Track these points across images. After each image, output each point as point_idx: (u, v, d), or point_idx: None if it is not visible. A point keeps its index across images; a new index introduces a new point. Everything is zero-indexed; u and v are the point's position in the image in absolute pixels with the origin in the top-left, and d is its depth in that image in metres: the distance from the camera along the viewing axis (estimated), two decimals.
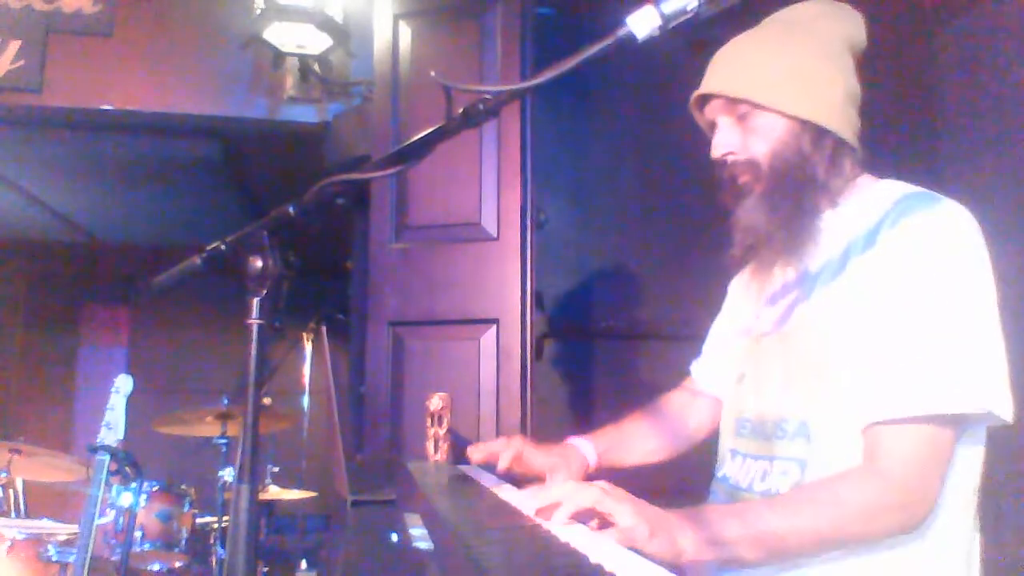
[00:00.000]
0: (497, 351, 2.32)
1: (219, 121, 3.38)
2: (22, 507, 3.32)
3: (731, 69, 1.18)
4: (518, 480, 1.32)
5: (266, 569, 3.49)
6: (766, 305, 1.23)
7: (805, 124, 1.12)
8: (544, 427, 2.37)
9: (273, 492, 3.57)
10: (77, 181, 4.70)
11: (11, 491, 3.26)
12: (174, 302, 5.75)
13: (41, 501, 3.50)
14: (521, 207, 2.37)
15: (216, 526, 3.15)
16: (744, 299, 1.34)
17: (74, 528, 2.65)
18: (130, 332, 6.22)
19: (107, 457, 2.51)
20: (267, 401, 3.35)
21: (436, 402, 1.68)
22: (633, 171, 2.91)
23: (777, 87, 1.13)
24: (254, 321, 0.89)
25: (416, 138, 0.89)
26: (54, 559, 2.62)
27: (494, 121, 0.88)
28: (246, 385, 0.87)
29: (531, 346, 2.32)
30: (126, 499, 2.76)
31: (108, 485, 2.57)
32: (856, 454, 1.03)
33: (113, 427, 2.55)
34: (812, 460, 1.07)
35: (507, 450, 1.32)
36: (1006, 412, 0.98)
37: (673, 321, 2.72)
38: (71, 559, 2.51)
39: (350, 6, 3.13)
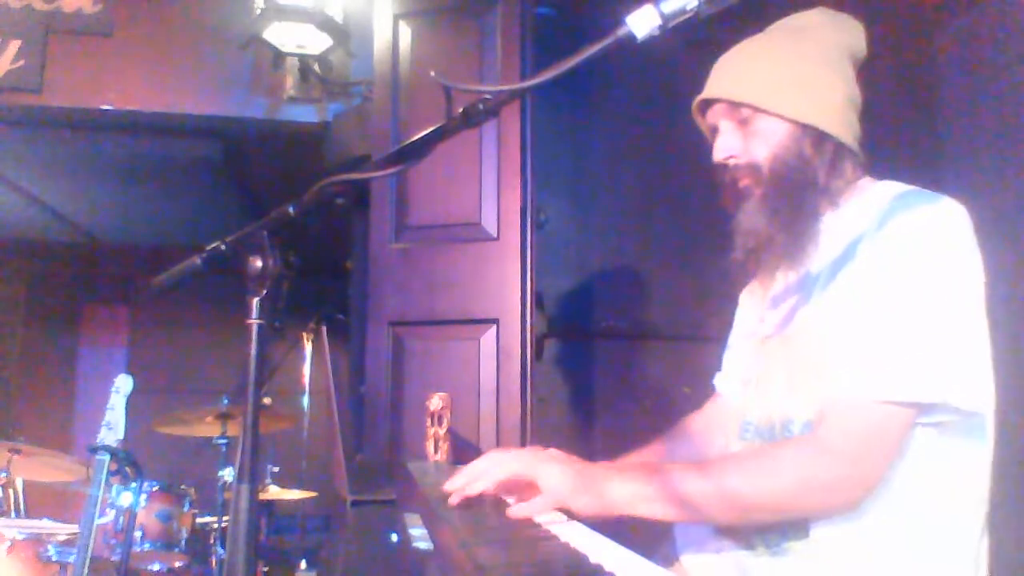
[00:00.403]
0: (497, 351, 2.32)
1: (219, 121, 3.38)
2: (22, 507, 3.32)
3: (734, 74, 1.20)
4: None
5: (266, 569, 3.49)
6: (769, 309, 1.23)
7: (806, 128, 1.14)
8: (544, 427, 2.37)
9: (273, 492, 3.57)
10: (77, 181, 4.70)
11: (11, 491, 3.25)
12: (174, 302, 5.75)
13: (41, 501, 3.50)
14: (521, 207, 2.37)
15: (216, 526, 3.15)
16: (750, 305, 1.34)
17: (74, 528, 2.65)
18: (130, 332, 6.21)
19: (107, 457, 2.51)
20: (267, 401, 3.36)
21: (436, 402, 1.68)
22: (633, 171, 2.90)
23: (779, 92, 1.14)
24: (254, 321, 0.89)
25: (416, 138, 0.89)
26: (54, 559, 2.62)
27: (494, 121, 0.88)
28: (246, 385, 0.87)
29: (531, 346, 2.32)
30: (126, 499, 2.75)
31: (108, 485, 2.57)
32: None
33: (113, 427, 2.55)
34: None
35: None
36: (968, 402, 0.98)
37: (674, 321, 2.72)
38: (71, 559, 2.51)
39: (350, 6, 3.13)
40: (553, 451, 1.08)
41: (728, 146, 1.18)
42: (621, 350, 2.81)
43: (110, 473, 2.54)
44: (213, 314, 5.62)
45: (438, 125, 0.88)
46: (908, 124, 2.30)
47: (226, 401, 3.23)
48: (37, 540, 2.66)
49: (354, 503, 1.27)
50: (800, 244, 1.13)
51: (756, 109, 1.15)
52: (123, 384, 2.62)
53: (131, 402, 2.62)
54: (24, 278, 6.09)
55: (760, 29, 1.26)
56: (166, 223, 5.55)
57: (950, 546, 1.02)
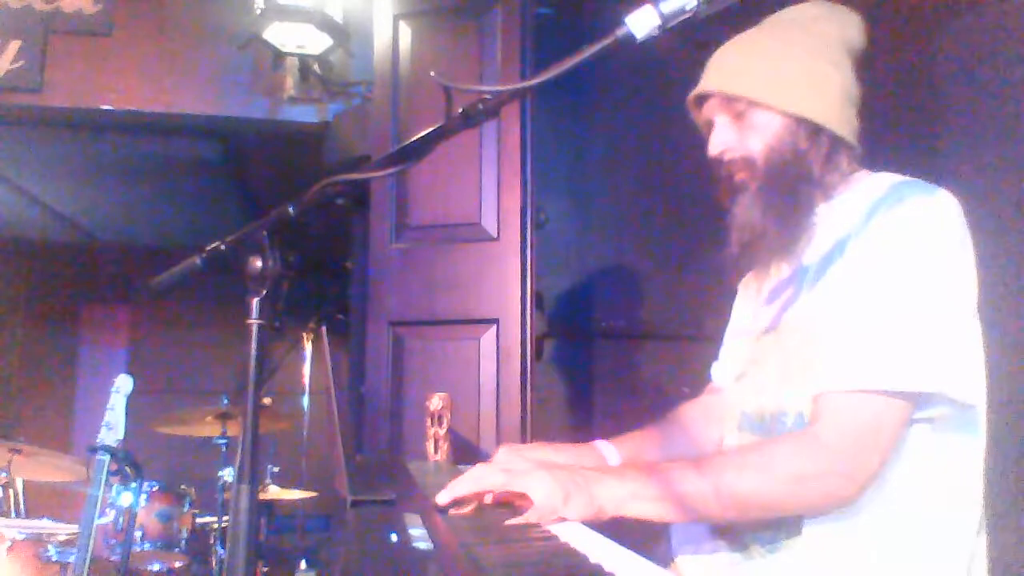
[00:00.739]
0: (497, 351, 2.32)
1: (219, 121, 3.38)
2: (22, 507, 3.32)
3: (728, 68, 1.20)
4: None
5: (266, 569, 3.49)
6: (764, 304, 1.23)
7: (801, 121, 1.13)
8: (544, 427, 2.37)
9: (273, 492, 3.57)
10: (77, 181, 4.71)
11: (11, 491, 3.26)
12: (174, 302, 5.76)
13: (41, 501, 3.50)
14: (521, 207, 2.37)
15: (216, 526, 3.15)
16: (746, 298, 1.35)
17: (74, 528, 2.65)
18: (130, 332, 6.22)
19: (107, 457, 2.51)
20: (267, 401, 3.36)
21: (436, 402, 1.68)
22: (633, 171, 2.90)
23: (774, 85, 1.14)
24: (254, 321, 0.89)
25: (416, 138, 0.89)
26: (54, 559, 2.62)
27: (494, 121, 0.88)
28: (246, 385, 0.87)
29: (531, 346, 2.32)
30: (126, 499, 2.76)
31: (108, 485, 2.57)
32: None
33: (113, 427, 2.55)
34: None
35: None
36: (962, 393, 0.98)
37: (673, 321, 2.72)
38: (71, 559, 2.51)
39: (350, 6, 3.13)
40: (538, 451, 1.06)
41: (723, 140, 1.18)
42: (621, 350, 2.81)
43: (110, 473, 2.54)
44: (213, 314, 5.63)
45: (438, 125, 0.88)
46: (908, 124, 2.30)
47: (226, 401, 3.24)
48: (37, 540, 2.66)
49: (354, 503, 1.26)
50: (794, 237, 1.13)
51: (751, 102, 1.15)
52: (123, 384, 2.62)
53: (131, 402, 2.62)
54: (24, 278, 6.09)
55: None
56: (166, 223, 5.56)
57: (945, 543, 1.02)
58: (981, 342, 1.03)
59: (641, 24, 0.78)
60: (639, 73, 2.78)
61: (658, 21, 0.78)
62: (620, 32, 0.79)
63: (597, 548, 0.80)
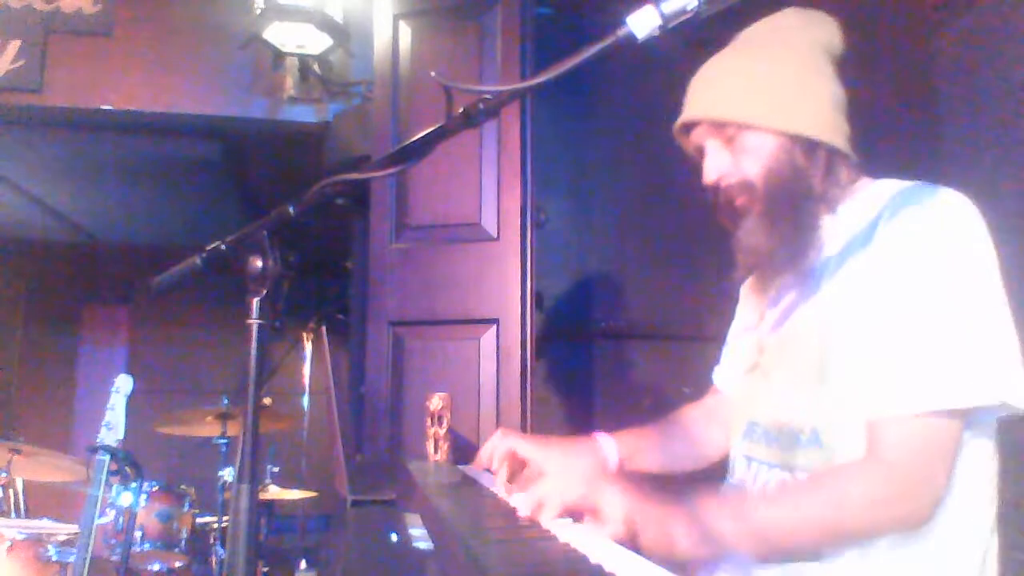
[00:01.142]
0: (497, 351, 2.32)
1: (219, 121, 3.38)
2: (22, 507, 3.32)
3: (712, 92, 1.17)
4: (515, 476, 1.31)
5: (266, 569, 3.49)
6: (770, 306, 1.22)
7: (795, 138, 1.11)
8: (544, 427, 2.37)
9: (273, 492, 3.57)
10: (77, 181, 4.71)
11: (11, 491, 3.25)
12: (174, 302, 5.76)
13: (41, 501, 3.49)
14: (521, 207, 2.37)
15: (216, 526, 3.15)
16: (749, 300, 1.34)
17: (74, 528, 2.65)
18: (130, 332, 6.22)
19: (107, 457, 2.51)
20: (267, 401, 3.36)
21: (436, 402, 1.68)
22: (633, 171, 2.90)
23: (762, 105, 1.12)
24: (254, 321, 0.89)
25: (416, 138, 0.89)
26: (54, 559, 2.62)
27: (494, 121, 0.88)
28: (246, 385, 0.87)
29: (531, 346, 2.32)
30: (126, 499, 2.76)
31: (108, 485, 2.57)
32: None
33: (113, 427, 2.55)
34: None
35: (499, 453, 1.27)
36: (1019, 401, 0.95)
37: (673, 321, 2.72)
38: (71, 559, 2.51)
39: (350, 6, 3.13)
40: (609, 480, 1.05)
41: (718, 166, 1.15)
42: (620, 350, 2.81)
43: (110, 473, 2.54)
44: (213, 314, 5.63)
45: (438, 125, 0.88)
46: (908, 124, 2.30)
47: (226, 401, 3.24)
48: (37, 540, 2.66)
49: (354, 503, 1.27)
50: (802, 255, 1.11)
51: (741, 125, 1.12)
52: (123, 384, 2.62)
53: (131, 402, 2.62)
54: (24, 278, 6.09)
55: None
56: (166, 223, 5.56)
57: (955, 545, 1.01)
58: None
59: (642, 24, 0.78)
60: (640, 73, 2.78)
61: (659, 21, 0.78)
62: (620, 32, 0.79)
63: (597, 548, 0.80)
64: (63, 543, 2.68)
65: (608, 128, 2.91)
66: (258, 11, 3.00)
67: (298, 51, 3.08)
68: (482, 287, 2.36)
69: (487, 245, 2.38)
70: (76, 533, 2.53)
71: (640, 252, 2.86)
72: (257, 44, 3.07)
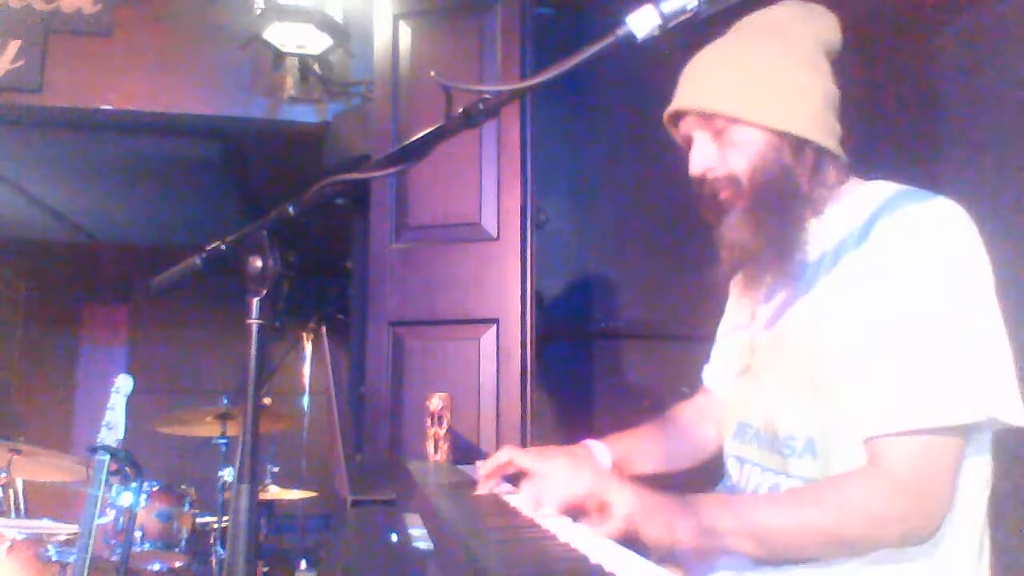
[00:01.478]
0: (497, 351, 2.32)
1: (219, 121, 3.39)
2: (22, 507, 3.32)
3: (704, 82, 1.15)
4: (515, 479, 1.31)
5: (266, 569, 3.49)
6: (762, 302, 1.21)
7: (784, 136, 1.09)
8: (544, 427, 2.37)
9: (273, 492, 3.57)
10: (77, 181, 4.70)
11: (11, 491, 3.26)
12: (174, 302, 5.75)
13: (41, 501, 3.50)
14: (521, 207, 2.37)
15: (216, 526, 3.15)
16: (741, 296, 1.33)
17: (74, 528, 2.65)
18: (130, 332, 6.22)
19: (107, 457, 2.51)
20: (267, 401, 3.36)
21: (436, 402, 1.68)
22: (633, 171, 2.90)
23: (753, 99, 1.10)
24: (254, 321, 0.89)
25: (416, 138, 0.89)
26: (54, 559, 2.62)
27: (494, 121, 0.88)
28: (246, 385, 0.87)
29: (531, 346, 2.32)
30: (126, 499, 2.76)
31: (108, 485, 2.57)
32: None
33: (113, 427, 2.55)
34: (824, 478, 1.05)
35: (497, 460, 1.24)
36: (1014, 416, 0.95)
37: (673, 321, 2.71)
38: (71, 559, 2.51)
39: (350, 6, 3.13)
40: (613, 474, 1.04)
41: (704, 159, 1.13)
42: (620, 350, 2.81)
43: (110, 473, 2.54)
44: (213, 314, 5.63)
45: (438, 125, 0.88)
46: (908, 124, 2.30)
47: (226, 401, 3.24)
48: (37, 540, 2.66)
49: (354, 503, 1.27)
50: (787, 255, 1.10)
51: (731, 119, 1.11)
52: (123, 384, 2.62)
53: (131, 402, 2.62)
54: (24, 278, 6.09)
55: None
56: (166, 223, 5.56)
57: (949, 560, 1.00)
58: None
59: (641, 24, 0.78)
60: (640, 73, 2.77)
61: (659, 21, 0.78)
62: (620, 32, 0.79)
63: (597, 548, 0.80)
64: (63, 543, 2.68)
65: (608, 128, 2.91)
66: (258, 11, 3.00)
67: (298, 51, 3.08)
68: (482, 287, 2.36)
69: (487, 245, 2.38)
70: (76, 533, 2.53)
71: (640, 252, 2.86)
72: (257, 44, 3.07)
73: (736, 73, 1.12)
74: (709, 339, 1.45)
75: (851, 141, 1.15)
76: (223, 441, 3.26)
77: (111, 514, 2.81)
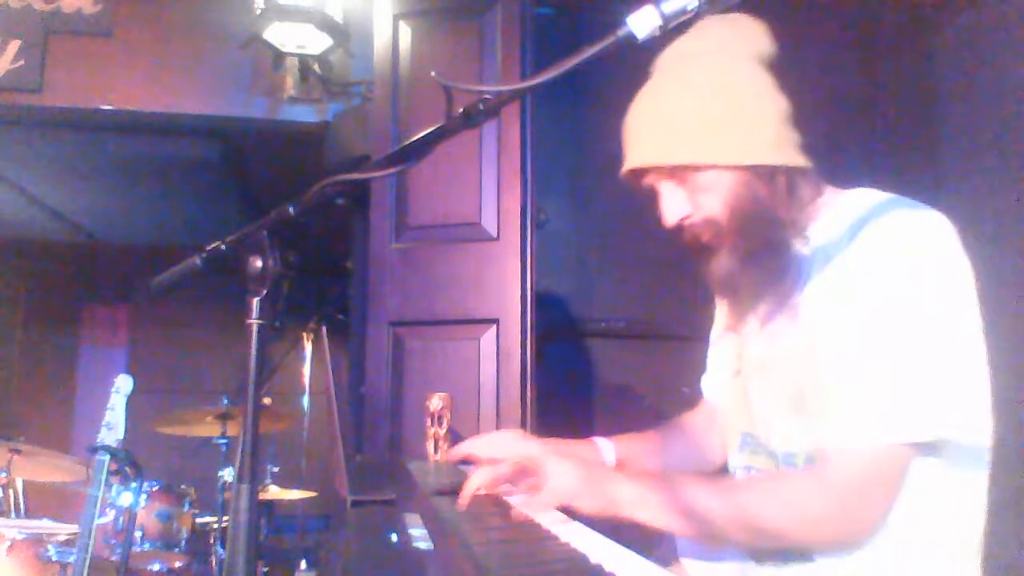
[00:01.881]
0: (497, 351, 2.32)
1: (219, 121, 3.39)
2: (22, 507, 3.32)
3: (655, 134, 1.11)
4: None
5: (266, 569, 3.49)
6: (749, 310, 1.21)
7: (752, 168, 1.06)
8: (544, 427, 2.37)
9: (273, 492, 3.57)
10: (77, 181, 4.71)
11: (11, 491, 3.26)
12: (174, 302, 5.76)
13: (41, 501, 3.50)
14: (521, 207, 2.37)
15: (216, 526, 3.15)
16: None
17: (74, 528, 2.65)
18: (130, 332, 6.22)
19: (107, 457, 2.51)
20: (267, 401, 3.36)
21: (436, 402, 1.68)
22: None
23: (711, 142, 1.06)
24: (254, 321, 0.89)
25: (416, 138, 0.89)
26: (54, 559, 2.62)
27: (494, 121, 0.88)
28: (246, 385, 0.87)
29: (531, 346, 2.32)
30: (126, 499, 2.76)
31: (108, 485, 2.57)
32: None
33: (113, 427, 2.55)
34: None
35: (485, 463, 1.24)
36: (970, 436, 0.96)
37: (673, 321, 2.71)
38: (71, 559, 2.51)
39: (350, 6, 3.13)
40: (554, 447, 1.07)
41: (676, 209, 1.11)
42: (621, 350, 2.81)
43: (110, 473, 2.54)
44: (213, 314, 5.63)
45: (438, 125, 0.88)
46: (908, 124, 2.30)
47: (226, 401, 3.24)
48: (37, 540, 2.66)
49: (354, 503, 1.26)
50: (779, 278, 1.09)
51: (693, 167, 1.08)
52: (123, 384, 2.62)
53: (131, 402, 2.62)
54: (24, 278, 6.09)
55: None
56: (166, 223, 5.56)
57: (950, 566, 1.01)
58: (986, 365, 0.99)
59: (642, 24, 0.78)
60: (640, 74, 2.77)
61: (659, 21, 0.77)
62: (621, 32, 0.79)
63: (597, 548, 0.80)
64: (63, 543, 2.68)
65: (608, 128, 2.90)
66: (258, 11, 3.00)
67: (298, 51, 3.08)
68: (482, 287, 2.36)
69: (487, 245, 2.38)
70: (76, 533, 2.53)
71: (640, 252, 2.86)
72: (257, 44, 3.07)
73: (683, 117, 1.08)
74: (708, 339, 1.45)
75: (814, 135, 1.11)
76: (223, 441, 3.26)
77: (111, 514, 2.81)
